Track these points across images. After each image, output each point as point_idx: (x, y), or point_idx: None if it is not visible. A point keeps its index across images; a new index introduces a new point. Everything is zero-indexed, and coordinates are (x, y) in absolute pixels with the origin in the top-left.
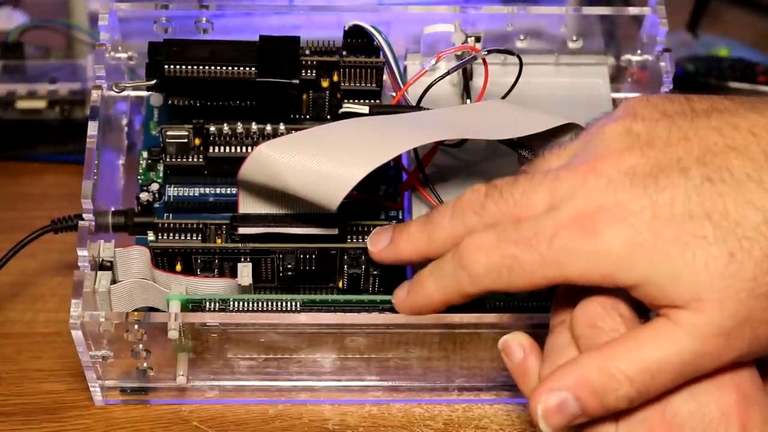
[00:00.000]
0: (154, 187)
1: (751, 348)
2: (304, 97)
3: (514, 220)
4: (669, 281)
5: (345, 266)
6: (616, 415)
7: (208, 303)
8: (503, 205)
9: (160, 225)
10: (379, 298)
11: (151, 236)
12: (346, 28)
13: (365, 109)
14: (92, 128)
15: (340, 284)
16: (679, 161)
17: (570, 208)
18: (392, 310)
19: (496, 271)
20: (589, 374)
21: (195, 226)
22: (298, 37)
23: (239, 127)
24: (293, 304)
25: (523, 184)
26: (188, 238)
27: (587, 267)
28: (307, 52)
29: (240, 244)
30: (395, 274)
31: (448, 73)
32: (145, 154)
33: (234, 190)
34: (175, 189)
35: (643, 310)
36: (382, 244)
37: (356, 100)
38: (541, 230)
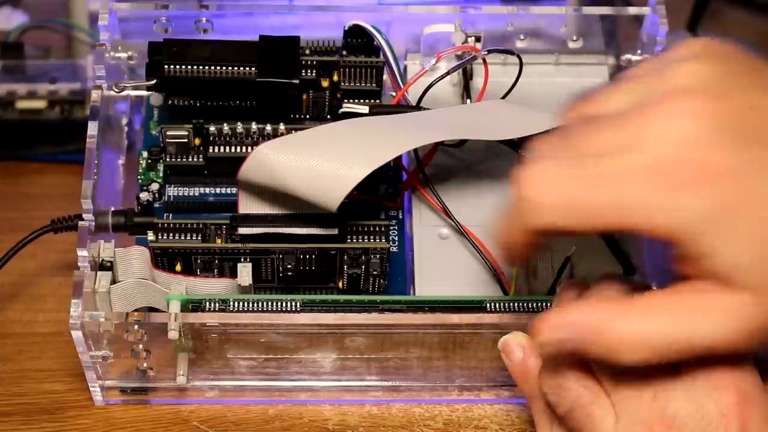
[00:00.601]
0: (154, 187)
1: None
2: (304, 97)
3: (598, 155)
4: (738, 263)
5: (345, 266)
6: (616, 416)
7: (207, 303)
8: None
9: (160, 225)
10: (378, 298)
11: (151, 236)
12: (346, 28)
13: (365, 109)
14: (92, 128)
15: (340, 284)
16: None
17: (657, 153)
18: (392, 310)
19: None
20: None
21: (195, 226)
22: (298, 37)
23: (239, 127)
24: (293, 304)
25: (615, 123)
26: (188, 238)
27: (660, 221)
28: (307, 51)
29: (240, 244)
30: (395, 274)
31: (448, 73)
32: (145, 154)
33: (234, 190)
34: (175, 189)
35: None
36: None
37: (356, 100)
38: (621, 171)
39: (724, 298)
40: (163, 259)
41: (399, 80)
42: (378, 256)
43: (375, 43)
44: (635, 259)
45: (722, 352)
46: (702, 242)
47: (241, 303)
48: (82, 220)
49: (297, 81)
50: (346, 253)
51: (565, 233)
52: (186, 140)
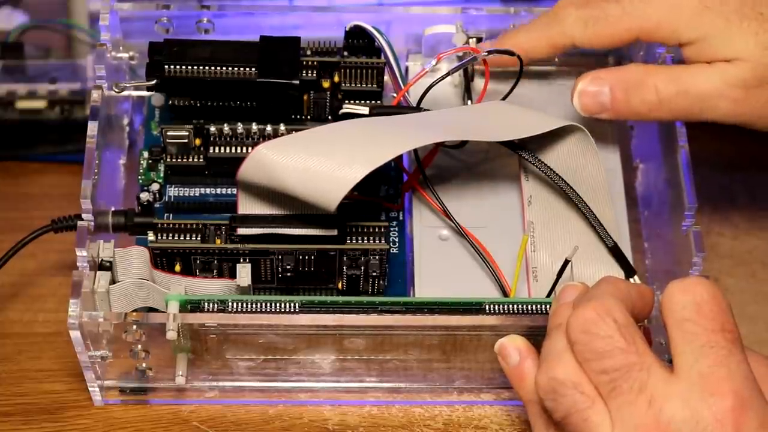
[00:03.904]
0: (155, 187)
1: (762, 115)
2: (305, 97)
3: None
4: (722, 41)
5: (344, 267)
6: (612, 422)
7: (206, 304)
8: None
9: (159, 225)
10: (378, 299)
11: (151, 236)
12: (347, 29)
13: (366, 110)
14: (92, 128)
15: (340, 285)
16: None
17: None
18: (391, 311)
19: (583, 21)
20: (628, 76)
21: (194, 226)
22: (299, 38)
23: (240, 127)
24: (292, 305)
25: None
26: (188, 238)
27: (662, 19)
28: (308, 52)
29: (239, 245)
30: (395, 275)
31: (448, 74)
32: (146, 154)
33: (235, 191)
34: (176, 189)
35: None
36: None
37: (357, 101)
38: None
39: (711, 63)
40: (162, 260)
41: (400, 81)
42: (377, 257)
43: (376, 43)
44: (635, 261)
45: (714, 112)
46: (696, 32)
47: (239, 304)
48: (82, 220)
49: (297, 82)
50: (345, 254)
51: None
52: (186, 140)
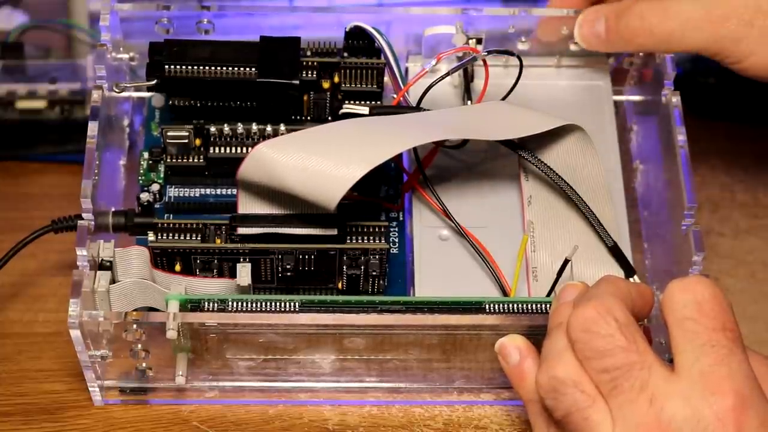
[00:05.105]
0: (155, 187)
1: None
2: (305, 98)
3: None
4: None
5: (344, 267)
6: (613, 421)
7: (206, 303)
8: None
9: (159, 225)
10: (378, 299)
11: (151, 236)
12: (347, 29)
13: (365, 110)
14: (92, 128)
15: (340, 285)
16: None
17: None
18: (391, 311)
19: None
20: (621, 5)
21: (194, 226)
22: (299, 38)
23: (240, 127)
24: (292, 304)
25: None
26: (188, 238)
27: None
28: (308, 53)
29: (239, 245)
30: (395, 275)
31: (447, 74)
32: (146, 155)
33: (235, 191)
34: (176, 189)
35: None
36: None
37: (357, 102)
38: None
39: None
40: (162, 259)
41: (400, 81)
42: (377, 256)
43: (376, 44)
44: (635, 261)
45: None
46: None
47: (239, 303)
48: (82, 220)
49: (297, 82)
50: (345, 254)
51: None
52: (187, 141)
